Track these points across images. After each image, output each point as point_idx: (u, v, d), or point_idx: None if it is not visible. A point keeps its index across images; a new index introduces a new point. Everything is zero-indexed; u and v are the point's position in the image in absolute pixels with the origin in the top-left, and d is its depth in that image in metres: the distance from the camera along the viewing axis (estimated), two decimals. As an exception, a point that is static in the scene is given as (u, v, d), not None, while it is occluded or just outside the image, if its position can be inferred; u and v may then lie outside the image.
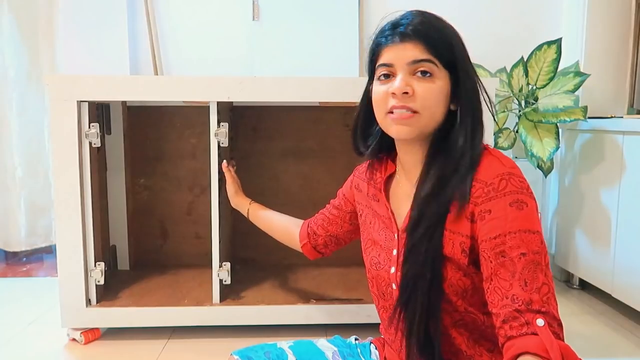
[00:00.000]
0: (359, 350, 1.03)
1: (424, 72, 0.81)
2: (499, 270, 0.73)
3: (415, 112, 0.81)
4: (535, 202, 0.78)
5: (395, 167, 0.96)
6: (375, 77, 0.86)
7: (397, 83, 0.81)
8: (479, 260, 0.78)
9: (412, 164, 0.90)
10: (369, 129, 0.95)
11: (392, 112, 0.83)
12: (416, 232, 0.82)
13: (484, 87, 0.87)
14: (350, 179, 1.11)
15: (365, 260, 0.98)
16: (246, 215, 1.43)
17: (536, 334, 0.67)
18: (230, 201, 1.49)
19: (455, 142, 0.83)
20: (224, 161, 1.51)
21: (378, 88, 0.85)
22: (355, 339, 1.06)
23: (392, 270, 0.89)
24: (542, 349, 0.66)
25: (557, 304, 0.72)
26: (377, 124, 0.91)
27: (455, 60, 0.83)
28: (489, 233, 0.75)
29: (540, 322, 0.68)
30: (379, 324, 1.02)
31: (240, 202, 1.45)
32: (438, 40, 0.81)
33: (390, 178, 0.97)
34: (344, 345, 1.03)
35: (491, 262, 0.74)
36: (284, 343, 0.99)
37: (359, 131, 0.97)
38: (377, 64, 0.85)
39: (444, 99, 0.83)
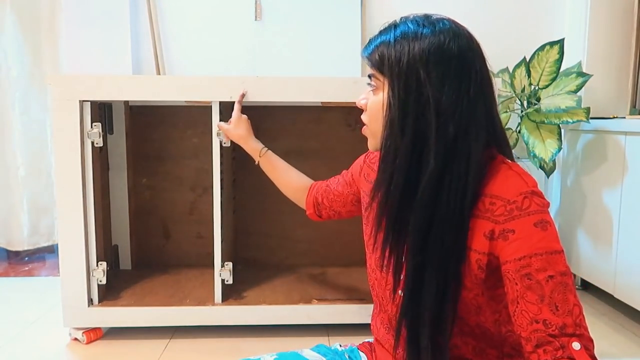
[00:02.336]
0: (347, 357, 0.98)
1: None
2: (525, 293, 0.69)
3: (365, 125, 0.85)
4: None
5: None
6: None
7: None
8: (498, 276, 0.75)
9: None
10: None
11: None
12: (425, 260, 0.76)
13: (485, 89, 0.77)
14: (360, 163, 1.08)
15: (372, 260, 0.92)
16: (256, 162, 1.41)
17: (573, 358, 0.65)
18: (239, 141, 1.44)
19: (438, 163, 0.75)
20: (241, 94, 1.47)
21: None
22: (340, 346, 1.02)
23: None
24: None
25: (586, 323, 0.70)
26: None
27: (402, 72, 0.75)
28: (514, 254, 0.71)
29: (576, 345, 0.66)
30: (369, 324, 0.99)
31: (253, 147, 1.41)
32: (388, 55, 0.77)
33: None
34: (332, 353, 0.98)
35: (516, 284, 0.70)
36: (268, 357, 0.94)
37: None
38: None
39: (382, 111, 0.78)
